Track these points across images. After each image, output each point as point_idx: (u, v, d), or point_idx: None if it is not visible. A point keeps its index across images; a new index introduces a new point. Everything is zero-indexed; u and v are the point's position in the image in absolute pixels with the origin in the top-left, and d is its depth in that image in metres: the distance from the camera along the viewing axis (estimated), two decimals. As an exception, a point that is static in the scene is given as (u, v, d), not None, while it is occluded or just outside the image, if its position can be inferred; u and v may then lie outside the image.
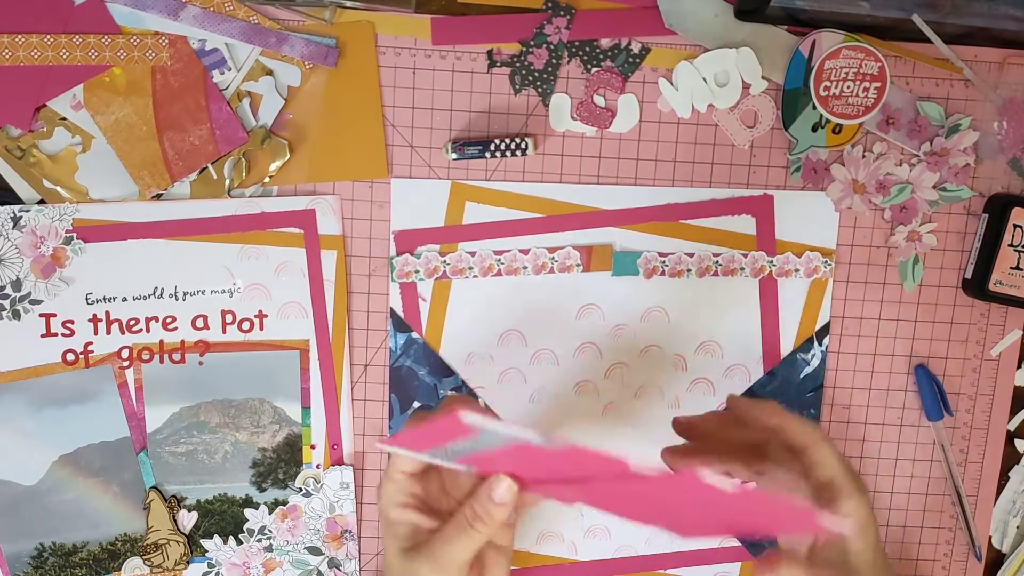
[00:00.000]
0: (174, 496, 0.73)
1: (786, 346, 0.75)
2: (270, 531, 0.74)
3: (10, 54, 0.67)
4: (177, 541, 0.73)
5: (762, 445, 0.58)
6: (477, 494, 0.54)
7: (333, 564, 0.75)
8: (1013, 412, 0.78)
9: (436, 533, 0.54)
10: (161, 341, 0.72)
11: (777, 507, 0.49)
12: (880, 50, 0.71)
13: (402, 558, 0.54)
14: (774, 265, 0.74)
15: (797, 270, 0.74)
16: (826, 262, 0.74)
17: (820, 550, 0.54)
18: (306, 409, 0.73)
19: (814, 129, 0.72)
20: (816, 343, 0.75)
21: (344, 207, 0.72)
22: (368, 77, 0.70)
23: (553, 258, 0.72)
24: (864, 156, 0.73)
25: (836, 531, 0.51)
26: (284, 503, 0.74)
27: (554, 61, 0.71)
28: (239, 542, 0.74)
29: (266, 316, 0.72)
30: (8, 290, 0.70)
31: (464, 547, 0.53)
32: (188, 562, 0.74)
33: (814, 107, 0.71)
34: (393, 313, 0.73)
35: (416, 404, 0.74)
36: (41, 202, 0.70)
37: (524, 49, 0.71)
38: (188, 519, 0.74)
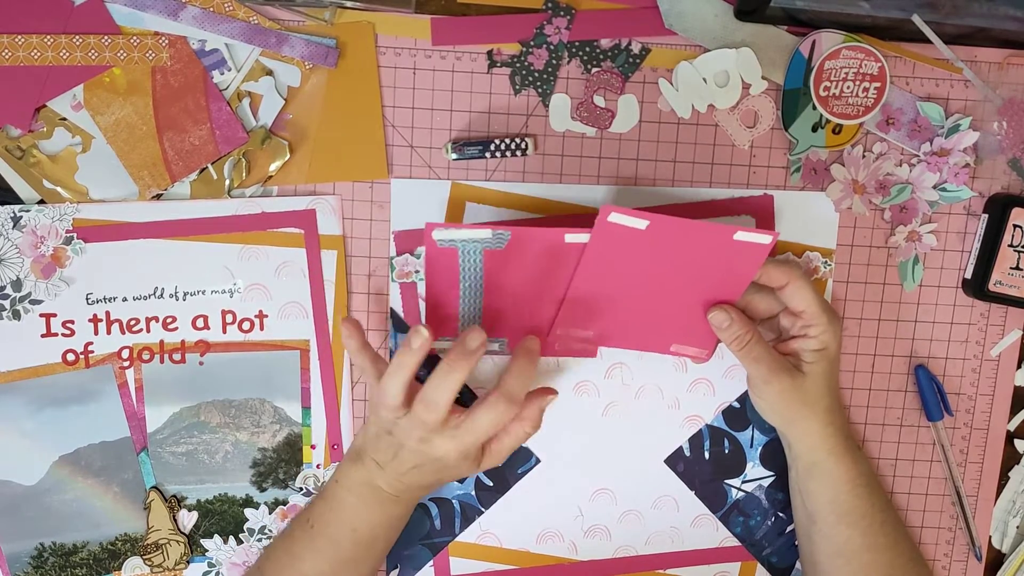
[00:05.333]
0: (174, 496, 0.73)
1: (786, 346, 0.75)
2: (270, 531, 0.74)
3: (10, 54, 0.67)
4: (177, 541, 0.73)
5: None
6: (531, 416, 0.66)
7: (333, 564, 0.75)
8: (1013, 412, 0.78)
9: (499, 445, 0.66)
10: (161, 341, 0.72)
11: (700, 232, 0.63)
12: (880, 50, 0.71)
13: (476, 465, 0.66)
14: (774, 265, 0.74)
15: (797, 270, 0.74)
16: (826, 262, 0.74)
17: (784, 351, 0.68)
18: (306, 409, 0.73)
19: (814, 129, 0.72)
20: (816, 343, 0.75)
21: (344, 207, 0.72)
22: (368, 77, 0.70)
23: (553, 258, 0.72)
24: (864, 156, 0.73)
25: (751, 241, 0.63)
26: (284, 503, 0.74)
27: (554, 61, 0.71)
28: (239, 542, 0.74)
29: (266, 316, 0.72)
30: (8, 290, 0.70)
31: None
32: (188, 562, 0.74)
33: (814, 107, 0.71)
34: (393, 313, 0.73)
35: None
36: (41, 202, 0.70)
37: (524, 49, 0.71)
38: (188, 519, 0.74)
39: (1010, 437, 0.78)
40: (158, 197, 0.70)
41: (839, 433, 0.69)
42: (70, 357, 0.71)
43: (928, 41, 0.71)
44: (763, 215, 0.74)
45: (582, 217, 0.73)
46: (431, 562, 0.76)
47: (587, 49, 0.71)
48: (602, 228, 0.61)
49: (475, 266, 0.64)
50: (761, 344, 0.67)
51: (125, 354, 0.71)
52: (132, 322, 0.71)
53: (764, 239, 0.62)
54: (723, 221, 0.73)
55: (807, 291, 0.66)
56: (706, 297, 0.67)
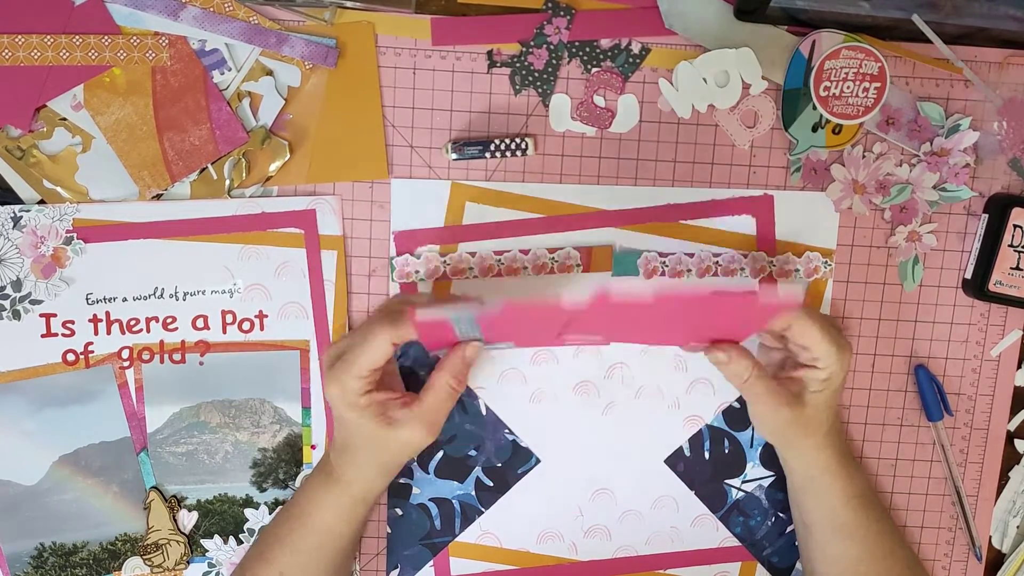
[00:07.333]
0: (174, 496, 0.73)
1: (786, 346, 0.75)
2: (270, 531, 0.74)
3: (10, 54, 0.67)
4: (177, 541, 0.73)
5: None
6: (450, 364, 0.64)
7: (333, 564, 0.75)
8: (1013, 412, 0.78)
9: (418, 402, 0.64)
10: (161, 341, 0.72)
11: (723, 301, 0.59)
12: (880, 50, 0.71)
13: (387, 429, 0.64)
14: (774, 265, 0.74)
15: (797, 270, 0.74)
16: (826, 262, 0.74)
17: (785, 380, 0.66)
18: (306, 409, 0.73)
19: (814, 129, 0.72)
20: (816, 343, 0.75)
21: (344, 207, 0.72)
22: (368, 77, 0.70)
23: (553, 258, 0.72)
24: (864, 156, 0.73)
25: (779, 303, 0.60)
26: (284, 504, 0.74)
27: (554, 61, 0.71)
28: (239, 542, 0.74)
29: (266, 316, 0.72)
30: (8, 290, 0.70)
31: (448, 408, 0.65)
32: (188, 562, 0.74)
33: (814, 107, 0.71)
34: (393, 313, 0.73)
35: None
36: (41, 202, 0.70)
37: (524, 49, 0.71)
38: (188, 519, 0.74)
39: (1010, 437, 0.78)
40: (158, 197, 0.70)
41: (835, 452, 0.68)
42: (70, 357, 0.71)
43: (928, 41, 0.71)
44: (763, 215, 0.74)
45: (582, 218, 0.72)
46: (431, 562, 0.76)
47: (587, 49, 0.71)
48: (600, 302, 0.58)
49: (470, 327, 0.62)
50: (762, 380, 0.64)
51: (125, 354, 0.71)
52: (132, 322, 0.71)
53: (793, 299, 0.60)
54: (723, 221, 0.73)
55: (811, 328, 0.64)
56: (723, 334, 0.64)
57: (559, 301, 0.57)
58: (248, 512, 0.74)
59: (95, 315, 0.71)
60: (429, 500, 0.75)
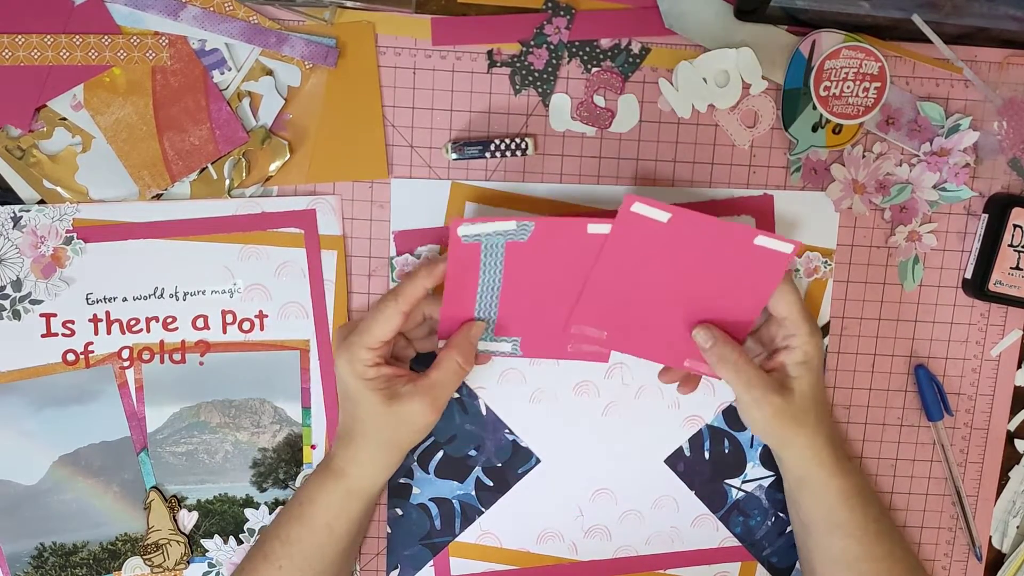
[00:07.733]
0: (174, 496, 0.73)
1: (786, 346, 0.75)
2: (270, 531, 0.74)
3: (10, 54, 0.67)
4: (177, 541, 0.73)
5: None
6: (457, 342, 0.66)
7: (333, 564, 0.75)
8: (1013, 412, 0.78)
9: (423, 377, 0.66)
10: (161, 341, 0.72)
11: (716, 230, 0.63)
12: (880, 50, 0.71)
13: (391, 404, 0.65)
14: (774, 265, 0.74)
15: (797, 270, 0.74)
16: (826, 262, 0.74)
17: (772, 372, 0.67)
18: (306, 409, 0.73)
19: (814, 129, 0.72)
20: (816, 343, 0.75)
21: (344, 207, 0.72)
22: (368, 77, 0.70)
23: (553, 258, 0.72)
24: (864, 156, 0.73)
25: (774, 248, 0.63)
26: (285, 503, 0.74)
27: (554, 61, 0.71)
28: (239, 542, 0.74)
29: (266, 316, 0.72)
30: (8, 290, 0.70)
31: (453, 386, 0.67)
32: (188, 562, 0.74)
33: (814, 107, 0.71)
34: (393, 313, 0.73)
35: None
36: (41, 202, 0.70)
37: (524, 49, 0.71)
38: (188, 519, 0.74)
39: (1010, 437, 0.78)
40: (158, 197, 0.70)
41: (829, 447, 0.68)
42: (70, 357, 0.71)
43: (928, 41, 0.71)
44: (763, 215, 0.74)
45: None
46: (431, 562, 0.76)
47: (587, 49, 0.71)
48: (624, 218, 0.61)
49: (496, 260, 0.64)
50: (750, 365, 0.66)
51: (125, 354, 0.71)
52: (132, 322, 0.71)
53: (785, 247, 0.62)
54: (727, 221, 0.73)
55: (791, 296, 0.66)
56: (723, 311, 0.66)
57: (586, 222, 0.62)
58: (248, 512, 0.74)
59: (95, 315, 0.71)
60: (429, 500, 0.75)
